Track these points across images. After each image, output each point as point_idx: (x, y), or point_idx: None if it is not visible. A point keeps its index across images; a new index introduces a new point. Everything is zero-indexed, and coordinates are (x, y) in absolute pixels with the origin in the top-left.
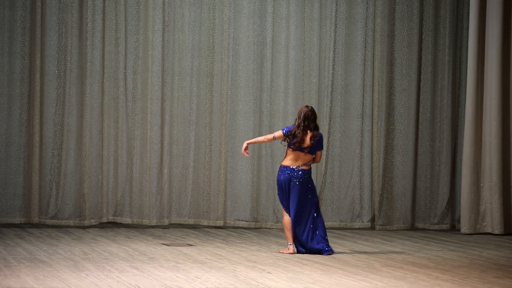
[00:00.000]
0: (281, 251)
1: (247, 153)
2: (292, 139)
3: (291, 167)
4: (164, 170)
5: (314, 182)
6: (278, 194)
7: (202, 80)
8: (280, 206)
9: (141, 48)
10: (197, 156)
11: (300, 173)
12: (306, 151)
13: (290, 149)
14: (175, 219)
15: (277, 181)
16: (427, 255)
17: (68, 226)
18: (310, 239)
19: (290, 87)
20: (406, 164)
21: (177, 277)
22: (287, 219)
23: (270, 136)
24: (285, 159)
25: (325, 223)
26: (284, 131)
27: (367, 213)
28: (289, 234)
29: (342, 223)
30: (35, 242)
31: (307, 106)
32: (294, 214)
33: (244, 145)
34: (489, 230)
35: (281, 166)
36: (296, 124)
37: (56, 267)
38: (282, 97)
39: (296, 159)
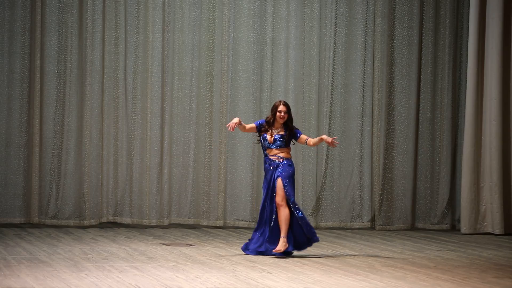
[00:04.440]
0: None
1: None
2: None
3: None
4: (164, 170)
5: (295, 181)
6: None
7: (202, 80)
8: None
9: (141, 48)
10: (197, 156)
11: None
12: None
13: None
14: (175, 219)
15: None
16: (427, 255)
17: (68, 226)
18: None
19: (290, 87)
20: (406, 164)
21: (177, 277)
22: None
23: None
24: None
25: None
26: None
27: (367, 213)
28: None
29: (342, 223)
30: (35, 242)
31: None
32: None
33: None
34: (489, 230)
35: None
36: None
37: (56, 267)
38: (282, 97)
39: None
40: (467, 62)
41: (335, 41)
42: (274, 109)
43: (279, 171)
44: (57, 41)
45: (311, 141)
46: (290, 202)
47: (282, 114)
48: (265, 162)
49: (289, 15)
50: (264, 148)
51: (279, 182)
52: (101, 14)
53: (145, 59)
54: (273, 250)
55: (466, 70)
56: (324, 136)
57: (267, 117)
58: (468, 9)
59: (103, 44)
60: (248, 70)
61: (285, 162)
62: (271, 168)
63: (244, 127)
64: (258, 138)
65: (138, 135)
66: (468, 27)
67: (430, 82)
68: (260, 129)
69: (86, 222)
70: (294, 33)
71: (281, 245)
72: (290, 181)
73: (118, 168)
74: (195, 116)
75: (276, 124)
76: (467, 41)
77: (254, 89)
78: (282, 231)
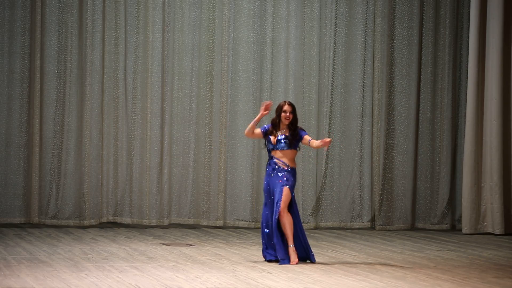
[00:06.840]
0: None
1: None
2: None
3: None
4: (164, 170)
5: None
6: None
7: (202, 80)
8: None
9: (141, 48)
10: (197, 156)
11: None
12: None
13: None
14: (175, 219)
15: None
16: (427, 255)
17: (68, 226)
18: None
19: (290, 87)
20: (406, 164)
21: (177, 277)
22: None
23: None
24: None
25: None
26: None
27: (367, 213)
28: None
29: (342, 223)
30: (35, 242)
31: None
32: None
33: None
34: (490, 230)
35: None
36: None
37: (56, 267)
38: (282, 97)
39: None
40: (467, 62)
41: (335, 41)
42: (279, 109)
43: (284, 181)
44: (57, 41)
45: (314, 143)
46: (296, 212)
47: (287, 114)
48: (269, 165)
49: (289, 15)
50: (269, 150)
51: (287, 191)
52: (101, 14)
53: (145, 59)
54: (290, 263)
55: (466, 70)
56: (323, 141)
57: (273, 119)
58: (468, 9)
59: (103, 44)
60: (248, 70)
61: (290, 170)
62: (275, 173)
63: (254, 128)
64: (265, 142)
65: (138, 135)
66: (468, 27)
67: (430, 82)
68: (266, 133)
69: (86, 222)
70: (294, 33)
71: (295, 255)
72: (293, 192)
73: (118, 168)
74: (195, 116)
75: (282, 126)
76: (467, 41)
77: (254, 89)
78: (290, 240)
